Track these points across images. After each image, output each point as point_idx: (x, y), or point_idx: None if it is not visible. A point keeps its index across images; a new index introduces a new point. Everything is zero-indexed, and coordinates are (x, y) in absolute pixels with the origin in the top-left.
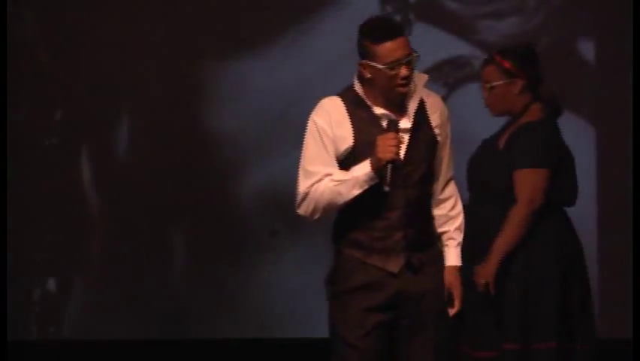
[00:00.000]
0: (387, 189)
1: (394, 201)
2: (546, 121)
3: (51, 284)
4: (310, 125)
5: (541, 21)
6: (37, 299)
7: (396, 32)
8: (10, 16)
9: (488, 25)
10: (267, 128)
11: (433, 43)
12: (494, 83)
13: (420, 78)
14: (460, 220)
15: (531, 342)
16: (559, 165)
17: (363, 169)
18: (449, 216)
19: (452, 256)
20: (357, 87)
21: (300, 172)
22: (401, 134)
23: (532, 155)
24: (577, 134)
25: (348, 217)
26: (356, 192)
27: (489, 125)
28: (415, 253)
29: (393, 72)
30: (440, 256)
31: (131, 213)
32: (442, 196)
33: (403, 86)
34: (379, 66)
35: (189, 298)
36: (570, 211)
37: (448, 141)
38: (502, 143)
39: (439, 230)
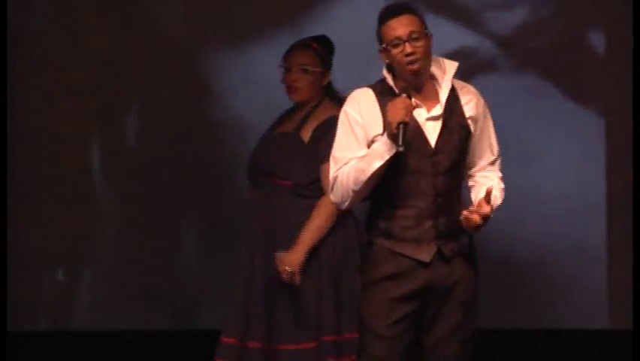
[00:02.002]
0: (401, 149)
1: (423, 189)
2: None
3: (60, 274)
4: (341, 115)
5: (551, 12)
6: (47, 290)
7: (397, 11)
8: (16, 5)
9: (497, 16)
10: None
11: (441, 33)
12: (312, 69)
13: (449, 65)
14: (499, 188)
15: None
16: None
17: (380, 141)
18: (490, 186)
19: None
20: (386, 76)
21: (330, 160)
22: (432, 121)
23: None
24: (586, 125)
25: (379, 207)
26: (377, 164)
27: (497, 115)
28: (447, 243)
29: (397, 50)
30: (471, 247)
31: (141, 204)
32: (485, 177)
33: (410, 63)
34: (384, 46)
35: (200, 288)
36: (579, 203)
37: (488, 132)
38: (306, 136)
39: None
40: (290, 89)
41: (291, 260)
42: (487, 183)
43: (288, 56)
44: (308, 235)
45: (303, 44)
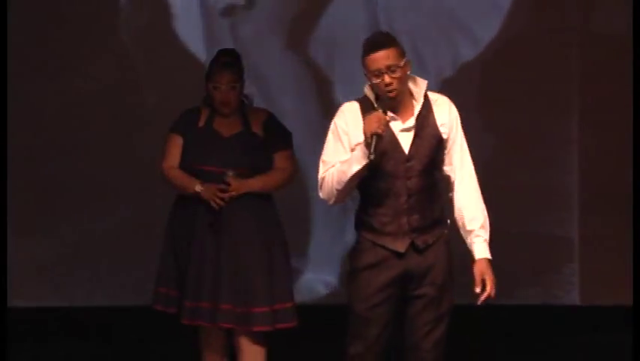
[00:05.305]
0: (372, 157)
1: (398, 190)
2: None
3: (67, 250)
4: (332, 125)
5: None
6: (48, 264)
7: (378, 46)
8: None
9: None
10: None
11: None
12: (237, 85)
13: (421, 83)
14: (483, 218)
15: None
16: None
17: (358, 148)
18: (474, 217)
19: (480, 250)
20: (368, 93)
21: (320, 163)
22: (405, 132)
23: (289, 139)
24: (586, 122)
25: (363, 205)
26: (356, 168)
27: (487, 111)
28: (420, 236)
29: (378, 79)
30: (444, 238)
31: (148, 183)
32: (466, 198)
33: (389, 92)
34: (366, 73)
35: None
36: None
37: (458, 139)
38: (257, 130)
39: (468, 228)
40: (223, 105)
41: (238, 186)
42: (474, 223)
43: (216, 77)
44: (257, 181)
45: (226, 64)
